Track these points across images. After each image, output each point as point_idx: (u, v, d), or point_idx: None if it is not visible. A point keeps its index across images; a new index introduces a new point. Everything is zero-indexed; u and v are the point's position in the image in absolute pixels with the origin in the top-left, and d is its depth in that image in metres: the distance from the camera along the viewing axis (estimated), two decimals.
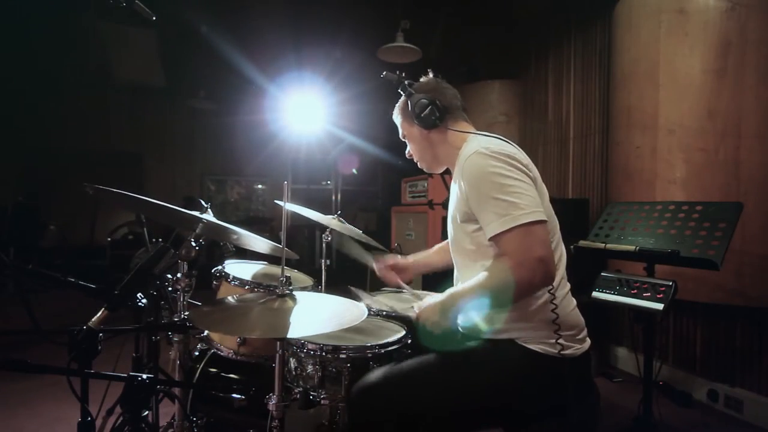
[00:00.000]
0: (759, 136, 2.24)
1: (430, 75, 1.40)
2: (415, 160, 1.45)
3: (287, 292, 1.15)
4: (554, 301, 1.14)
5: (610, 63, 3.06)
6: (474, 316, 1.20)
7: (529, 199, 1.09)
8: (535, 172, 1.21)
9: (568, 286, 1.24)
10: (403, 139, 1.45)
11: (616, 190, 2.85)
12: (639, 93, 2.61)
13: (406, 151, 1.46)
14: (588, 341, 1.23)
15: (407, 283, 1.61)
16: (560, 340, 1.13)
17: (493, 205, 1.09)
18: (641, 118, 2.59)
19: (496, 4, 4.24)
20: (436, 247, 1.69)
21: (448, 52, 4.88)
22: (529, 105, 4.22)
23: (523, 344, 1.15)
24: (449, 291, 1.19)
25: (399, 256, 1.68)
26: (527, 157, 1.22)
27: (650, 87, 2.53)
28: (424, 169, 1.45)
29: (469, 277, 1.21)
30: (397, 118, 1.44)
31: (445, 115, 1.30)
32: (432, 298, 1.21)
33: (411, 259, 1.68)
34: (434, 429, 1.18)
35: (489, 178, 1.11)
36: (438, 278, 1.80)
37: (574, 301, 1.24)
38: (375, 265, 1.65)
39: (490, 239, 1.11)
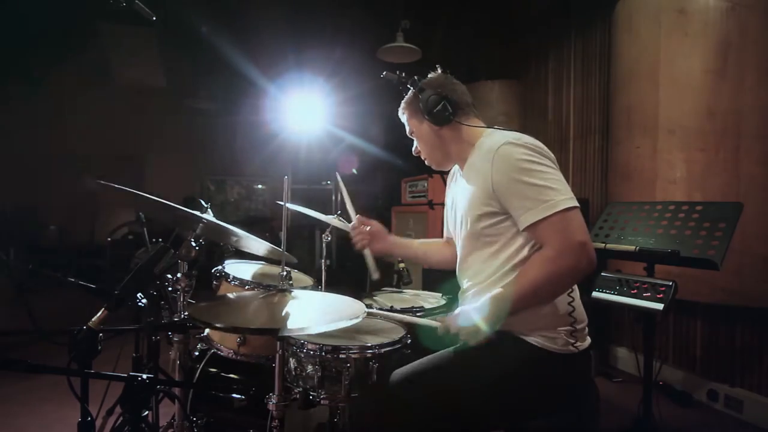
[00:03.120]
0: (759, 136, 2.24)
1: (439, 71, 1.36)
2: (422, 158, 1.40)
3: (287, 288, 1.15)
4: (572, 294, 1.15)
5: (610, 63, 3.06)
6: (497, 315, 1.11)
7: (563, 186, 1.08)
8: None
9: None
10: (411, 136, 1.40)
11: (616, 190, 2.85)
12: (639, 93, 2.61)
13: (413, 149, 1.42)
14: (588, 338, 1.23)
15: (383, 256, 1.57)
16: (575, 334, 1.14)
17: (530, 193, 1.06)
18: (641, 118, 2.59)
19: (496, 4, 4.24)
20: (426, 240, 1.67)
21: (448, 52, 4.87)
22: (529, 105, 4.22)
23: (536, 339, 1.13)
24: (490, 295, 1.10)
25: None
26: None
27: (650, 87, 2.53)
28: (433, 167, 1.40)
29: (487, 274, 1.19)
30: (403, 115, 1.39)
31: (457, 110, 1.26)
32: (465, 307, 1.14)
33: (395, 237, 1.64)
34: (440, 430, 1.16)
35: (523, 165, 1.09)
36: (438, 278, 1.81)
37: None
38: (352, 224, 1.62)
39: (525, 229, 1.09)
